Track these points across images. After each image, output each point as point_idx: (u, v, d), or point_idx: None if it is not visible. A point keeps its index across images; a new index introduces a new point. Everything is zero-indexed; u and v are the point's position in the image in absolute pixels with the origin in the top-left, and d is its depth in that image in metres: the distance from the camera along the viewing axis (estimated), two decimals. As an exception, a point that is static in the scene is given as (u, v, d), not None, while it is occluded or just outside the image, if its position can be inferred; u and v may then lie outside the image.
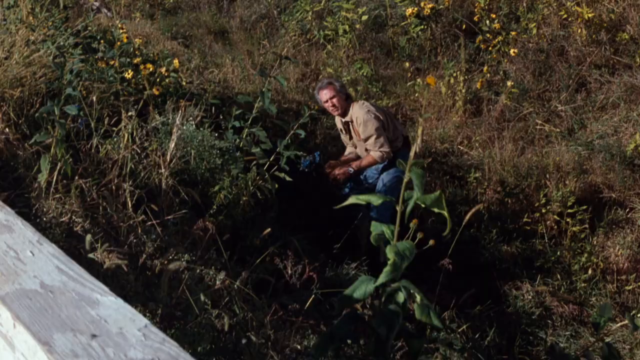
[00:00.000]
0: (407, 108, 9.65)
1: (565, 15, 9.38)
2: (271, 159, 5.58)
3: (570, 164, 7.84)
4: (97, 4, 13.03)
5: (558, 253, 6.89)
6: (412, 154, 2.49)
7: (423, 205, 2.44)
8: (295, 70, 10.58)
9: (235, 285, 3.63)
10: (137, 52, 6.92)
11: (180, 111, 5.50)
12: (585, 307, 6.37)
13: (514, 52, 9.19)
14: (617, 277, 6.71)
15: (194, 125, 5.45)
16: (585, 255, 6.81)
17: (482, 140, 8.78)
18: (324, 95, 6.78)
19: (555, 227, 7.25)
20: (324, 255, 5.87)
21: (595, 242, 7.08)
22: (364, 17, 10.39)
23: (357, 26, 10.57)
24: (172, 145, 5.08)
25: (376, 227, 2.56)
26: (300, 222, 6.53)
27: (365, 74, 9.96)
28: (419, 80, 9.80)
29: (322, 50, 10.86)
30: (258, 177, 5.36)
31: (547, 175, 7.73)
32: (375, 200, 2.56)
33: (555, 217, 7.21)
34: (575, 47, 9.23)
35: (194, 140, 5.35)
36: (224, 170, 5.43)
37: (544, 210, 7.26)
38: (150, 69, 6.38)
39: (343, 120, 6.91)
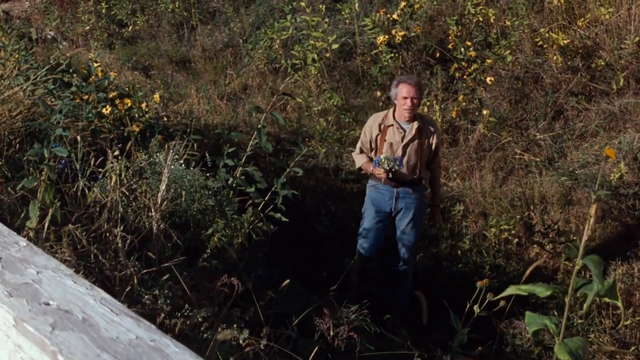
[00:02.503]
0: (381, 138, 9.47)
1: (540, 42, 9.27)
2: (266, 199, 5.30)
3: (555, 195, 7.67)
4: (52, 33, 12.65)
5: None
6: (585, 237, 2.24)
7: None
8: (262, 100, 10.34)
9: (262, 345, 3.34)
10: (111, 87, 6.59)
11: (168, 150, 5.19)
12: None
13: (490, 80, 9.01)
14: (612, 311, 6.55)
15: (182, 165, 5.16)
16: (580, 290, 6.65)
17: (460, 170, 8.61)
18: (409, 92, 6.21)
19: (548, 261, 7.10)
20: (317, 297, 5.61)
21: (587, 276, 6.92)
22: (335, 46, 10.14)
23: (327, 55, 10.34)
24: (162, 186, 4.78)
25: (533, 321, 2.28)
26: (289, 263, 6.29)
27: (335, 103, 9.72)
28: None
29: (289, 79, 10.60)
30: (254, 218, 5.08)
31: (532, 207, 7.57)
32: (542, 291, 2.30)
33: (547, 251, 7.05)
34: (551, 74, 9.11)
35: (184, 180, 5.06)
36: (216, 211, 5.14)
37: (534, 246, 7.11)
38: (129, 104, 6.05)
39: (410, 124, 6.38)
